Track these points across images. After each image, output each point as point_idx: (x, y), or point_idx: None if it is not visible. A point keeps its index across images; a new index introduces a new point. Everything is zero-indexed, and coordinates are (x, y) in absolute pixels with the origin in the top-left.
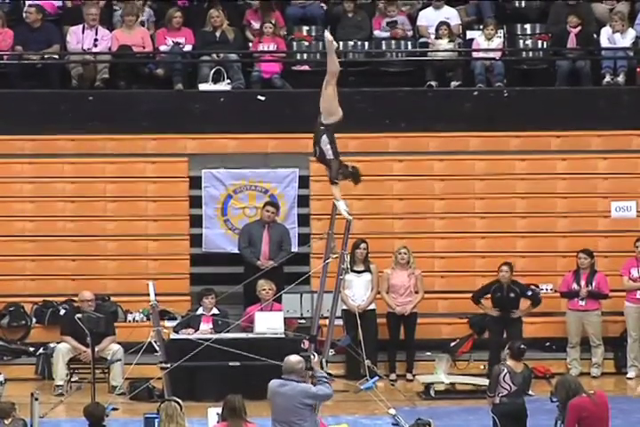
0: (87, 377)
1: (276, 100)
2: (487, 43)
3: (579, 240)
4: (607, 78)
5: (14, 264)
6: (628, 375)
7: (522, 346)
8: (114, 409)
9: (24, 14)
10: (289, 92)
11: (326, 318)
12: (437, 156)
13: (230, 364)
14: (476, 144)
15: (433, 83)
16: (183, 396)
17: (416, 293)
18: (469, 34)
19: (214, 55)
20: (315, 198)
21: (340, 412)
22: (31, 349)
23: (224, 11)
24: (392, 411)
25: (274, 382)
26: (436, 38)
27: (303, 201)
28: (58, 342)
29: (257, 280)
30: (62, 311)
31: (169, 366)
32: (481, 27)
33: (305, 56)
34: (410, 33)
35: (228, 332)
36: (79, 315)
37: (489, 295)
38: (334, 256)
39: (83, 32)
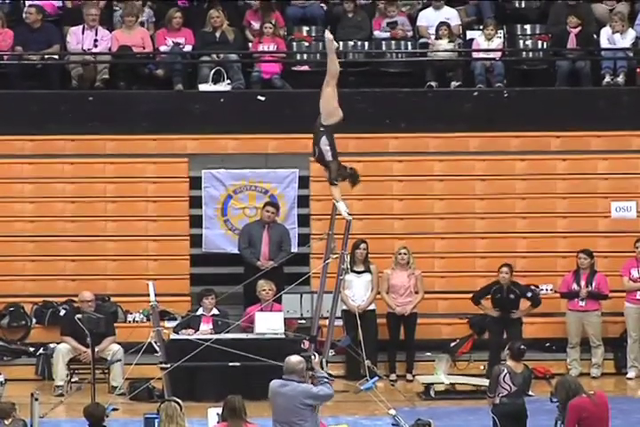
0: (87, 377)
1: (275, 100)
2: (487, 43)
3: (579, 240)
4: (607, 79)
5: (14, 265)
6: (628, 376)
7: (522, 347)
8: (114, 409)
9: (24, 15)
10: (289, 92)
11: (326, 318)
12: (437, 156)
13: (230, 364)
14: (476, 144)
15: (433, 83)
16: (183, 396)
17: (416, 293)
18: (469, 34)
19: (214, 55)
20: (315, 199)
21: (339, 412)
22: (31, 349)
23: (224, 11)
24: (392, 411)
25: (275, 383)
26: (436, 39)
27: (303, 201)
28: (58, 343)
29: (257, 281)
30: (62, 312)
31: (169, 366)
32: (481, 27)
33: (305, 56)
34: (410, 33)
35: (228, 332)
36: (79, 315)
37: (489, 296)
38: (334, 256)
39: (83, 32)
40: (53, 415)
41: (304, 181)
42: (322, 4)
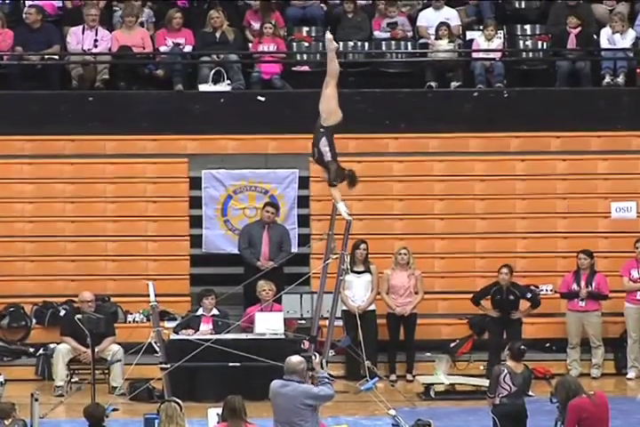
0: (87, 378)
1: (275, 100)
2: (487, 43)
3: (579, 241)
4: (607, 79)
5: (14, 265)
6: (628, 376)
7: (522, 347)
8: (114, 410)
9: (24, 15)
10: (289, 92)
11: (326, 318)
12: (437, 156)
13: (230, 364)
14: (476, 145)
15: (433, 83)
16: (183, 396)
17: (416, 293)
18: (469, 34)
19: (214, 56)
20: (314, 199)
21: (339, 413)
22: (31, 349)
23: (224, 11)
24: (392, 412)
25: (275, 383)
26: (436, 39)
27: (303, 202)
28: (58, 343)
29: (257, 281)
30: (62, 312)
31: (169, 366)
32: (481, 27)
33: (305, 57)
34: (410, 34)
35: (227, 332)
36: (79, 316)
37: (489, 297)
38: (334, 257)
39: (83, 33)
40: (53, 416)
41: (304, 182)
42: (322, 5)
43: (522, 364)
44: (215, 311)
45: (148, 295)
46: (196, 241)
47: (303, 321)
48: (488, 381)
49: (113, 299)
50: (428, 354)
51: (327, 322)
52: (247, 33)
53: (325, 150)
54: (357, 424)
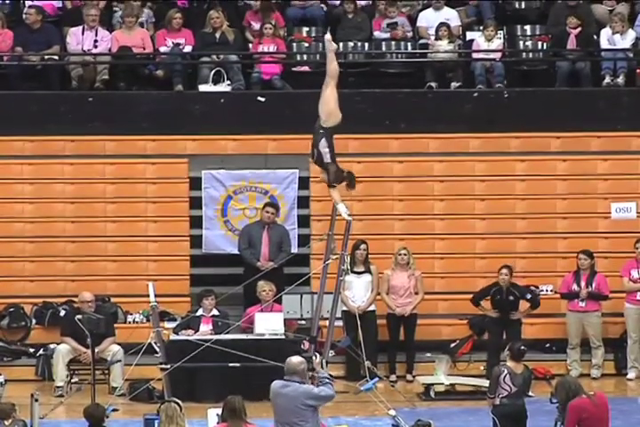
0: (87, 378)
1: (276, 101)
2: (487, 44)
3: (579, 241)
4: (607, 79)
5: (14, 265)
6: (628, 377)
7: (522, 347)
8: (114, 410)
9: (24, 15)
10: (289, 93)
11: (326, 319)
12: (437, 157)
13: (230, 365)
14: (476, 145)
15: (433, 84)
16: (183, 397)
17: (416, 294)
18: (469, 35)
19: (214, 56)
20: (315, 199)
21: (340, 413)
22: (31, 350)
23: (224, 12)
24: (392, 412)
25: (276, 384)
26: (436, 39)
27: (303, 202)
28: (58, 344)
29: (257, 281)
30: (62, 312)
31: (169, 367)
32: (481, 28)
33: (305, 57)
34: (410, 34)
35: (227, 333)
36: (79, 316)
37: (488, 297)
38: (334, 257)
39: (82, 33)
40: (53, 416)
41: (304, 182)
42: (322, 5)
43: (522, 364)
44: (215, 312)
45: (148, 296)
46: (196, 241)
47: (303, 322)
48: (488, 381)
49: (113, 299)
50: (428, 354)
51: (327, 322)
52: (247, 33)
53: (325, 152)
54: (357, 425)
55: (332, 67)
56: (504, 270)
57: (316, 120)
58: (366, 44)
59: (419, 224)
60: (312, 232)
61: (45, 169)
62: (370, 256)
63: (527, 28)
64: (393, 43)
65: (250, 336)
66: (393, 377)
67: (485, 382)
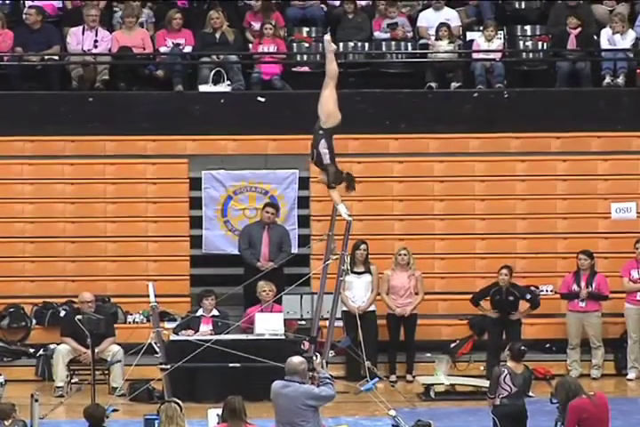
0: (87, 378)
1: (276, 101)
2: (487, 44)
3: (579, 241)
4: (607, 80)
5: (14, 265)
6: (628, 377)
7: (522, 347)
8: (114, 410)
9: (24, 15)
10: (289, 93)
11: (326, 319)
12: (437, 157)
13: (230, 365)
14: (476, 145)
15: (433, 84)
16: (183, 397)
17: (416, 294)
18: (469, 35)
19: (214, 56)
20: (315, 200)
21: (340, 413)
22: (31, 350)
23: (224, 12)
24: (392, 412)
25: (277, 384)
26: (436, 39)
27: (303, 202)
28: (58, 344)
29: (257, 281)
30: (62, 313)
31: (169, 367)
32: (481, 28)
33: (305, 57)
34: (410, 34)
35: (227, 333)
36: (79, 316)
37: (488, 298)
38: (334, 257)
39: (83, 33)
40: (53, 416)
41: (304, 182)
42: (322, 5)
43: (522, 364)
44: (215, 312)
45: (148, 296)
46: (196, 242)
47: (303, 322)
48: (488, 381)
49: (113, 299)
50: (428, 355)
51: (327, 323)
52: (247, 33)
53: (324, 153)
54: (357, 425)
55: (332, 67)
56: (504, 271)
57: (316, 121)
58: (366, 45)
59: (419, 224)
60: (312, 232)
61: (45, 169)
62: (370, 256)
63: (527, 28)
64: (393, 43)
65: (250, 336)
66: (393, 377)
67: (485, 383)
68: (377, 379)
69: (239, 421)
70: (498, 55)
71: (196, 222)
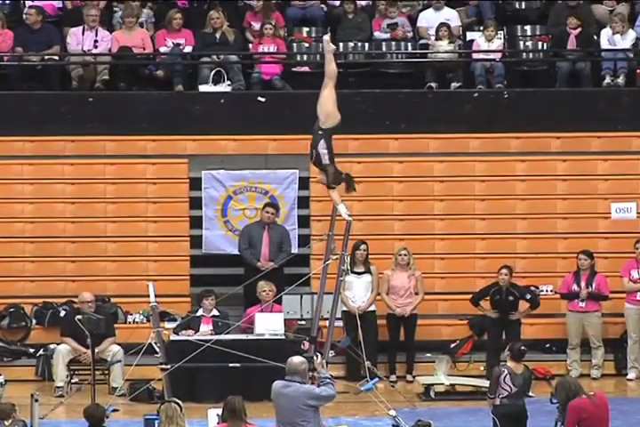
0: (87, 378)
1: (276, 101)
2: (487, 44)
3: (579, 241)
4: (607, 80)
5: (14, 265)
6: (628, 377)
7: (522, 347)
8: (114, 410)
9: (24, 16)
10: (289, 93)
11: (326, 319)
12: (437, 157)
13: (230, 365)
14: (476, 145)
15: (433, 84)
16: (183, 397)
17: (416, 294)
18: (469, 35)
19: (214, 57)
20: (315, 200)
21: (340, 413)
22: (31, 350)
23: (224, 12)
24: (392, 412)
25: (277, 384)
26: (437, 40)
27: (303, 202)
28: (58, 344)
29: (257, 281)
30: (62, 313)
31: (169, 367)
32: (481, 28)
33: (305, 57)
34: (410, 34)
35: (228, 333)
36: (79, 316)
37: (488, 298)
38: (334, 257)
39: (83, 33)
40: (53, 416)
41: (304, 182)
42: (322, 5)
43: (522, 364)
44: (215, 312)
45: (148, 296)
46: (196, 242)
47: (303, 322)
48: (488, 381)
49: (113, 299)
50: (429, 355)
51: (327, 323)
52: (247, 33)
53: (323, 153)
54: (358, 425)
55: (331, 68)
56: (504, 270)
57: (315, 121)
58: (366, 45)
59: (419, 224)
60: (312, 232)
61: (45, 169)
62: (370, 256)
63: (527, 28)
64: (393, 43)
65: (250, 337)
66: (393, 377)
67: (485, 383)
68: (377, 379)
69: (239, 421)
70: (498, 55)
71: (196, 222)
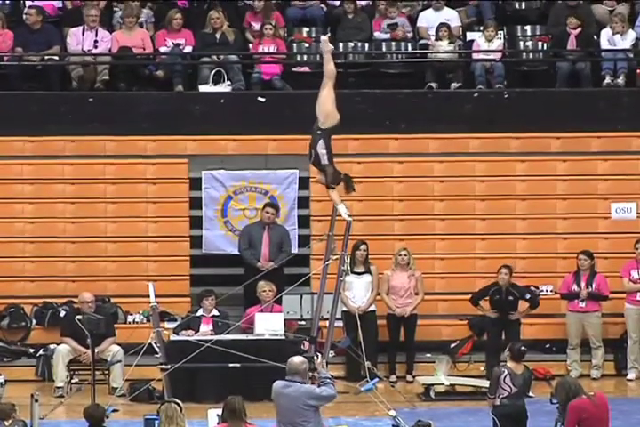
0: (87, 379)
1: (276, 101)
2: (487, 44)
3: (579, 242)
4: (607, 80)
5: (14, 265)
6: (628, 377)
7: (522, 348)
8: (114, 411)
9: (24, 16)
10: (289, 93)
11: (326, 319)
12: (437, 157)
13: (230, 365)
14: (477, 145)
15: (433, 84)
16: (183, 397)
17: (416, 294)
18: (469, 35)
19: (214, 57)
20: (315, 200)
21: (340, 413)
22: (31, 350)
23: (224, 12)
24: (392, 412)
25: (278, 384)
26: (437, 40)
27: (303, 202)
28: (58, 344)
29: (257, 282)
30: (62, 313)
31: (169, 367)
32: (481, 28)
33: (305, 57)
34: (410, 34)
35: (228, 333)
36: (79, 316)
37: (487, 297)
38: (334, 258)
39: (83, 33)
40: (53, 416)
41: (304, 182)
42: (322, 5)
43: (522, 365)
44: (215, 312)
45: (149, 296)
46: (196, 242)
47: (303, 322)
48: (488, 382)
49: (113, 300)
50: (429, 355)
51: (327, 323)
52: (247, 34)
53: (322, 153)
54: (358, 425)
55: (329, 68)
56: (504, 270)
57: (314, 122)
58: (366, 45)
59: (419, 224)
60: (312, 232)
61: (45, 169)
62: (370, 257)
63: (527, 28)
64: (393, 43)
65: (250, 337)
66: (393, 378)
67: (485, 383)
68: (377, 379)
69: (239, 421)
70: (498, 55)
71: (196, 222)
